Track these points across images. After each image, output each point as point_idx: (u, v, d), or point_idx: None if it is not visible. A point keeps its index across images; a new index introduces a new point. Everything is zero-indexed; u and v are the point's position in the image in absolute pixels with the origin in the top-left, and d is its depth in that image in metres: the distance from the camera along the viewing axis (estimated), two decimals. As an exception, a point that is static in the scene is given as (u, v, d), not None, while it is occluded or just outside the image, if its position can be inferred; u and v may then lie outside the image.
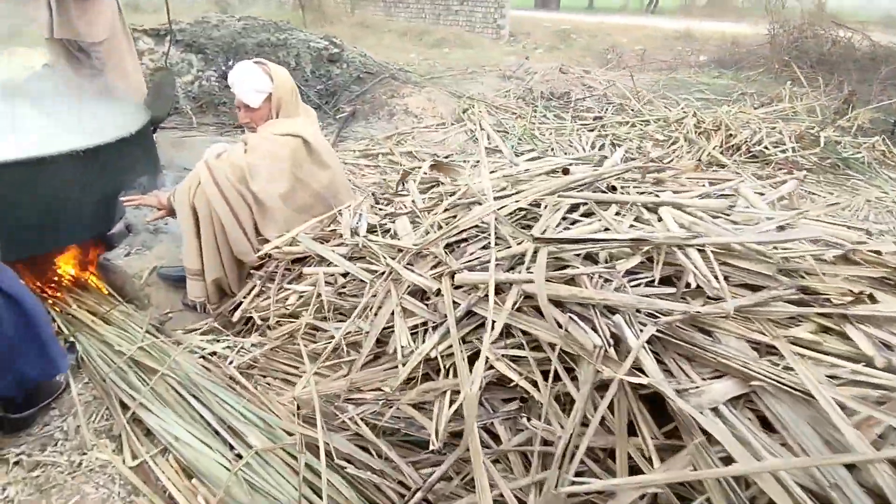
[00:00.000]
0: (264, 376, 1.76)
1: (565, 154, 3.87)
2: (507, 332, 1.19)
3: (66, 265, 2.45)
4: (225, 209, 1.86)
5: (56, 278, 2.43)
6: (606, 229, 1.19)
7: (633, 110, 5.33)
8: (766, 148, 3.78)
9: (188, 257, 1.93)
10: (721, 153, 3.80)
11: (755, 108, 5.42)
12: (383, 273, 1.39)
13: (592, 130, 4.59)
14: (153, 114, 2.72)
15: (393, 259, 1.41)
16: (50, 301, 2.23)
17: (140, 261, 2.31)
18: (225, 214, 1.86)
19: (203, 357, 1.95)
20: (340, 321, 1.50)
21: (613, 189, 1.41)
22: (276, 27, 4.70)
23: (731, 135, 3.95)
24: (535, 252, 1.15)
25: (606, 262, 1.11)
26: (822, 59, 7.03)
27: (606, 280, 1.08)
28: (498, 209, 1.28)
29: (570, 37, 13.11)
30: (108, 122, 2.70)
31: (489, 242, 1.27)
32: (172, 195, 1.97)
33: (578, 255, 1.12)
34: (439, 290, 1.19)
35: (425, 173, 1.81)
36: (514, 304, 1.12)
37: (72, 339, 1.98)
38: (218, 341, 2.02)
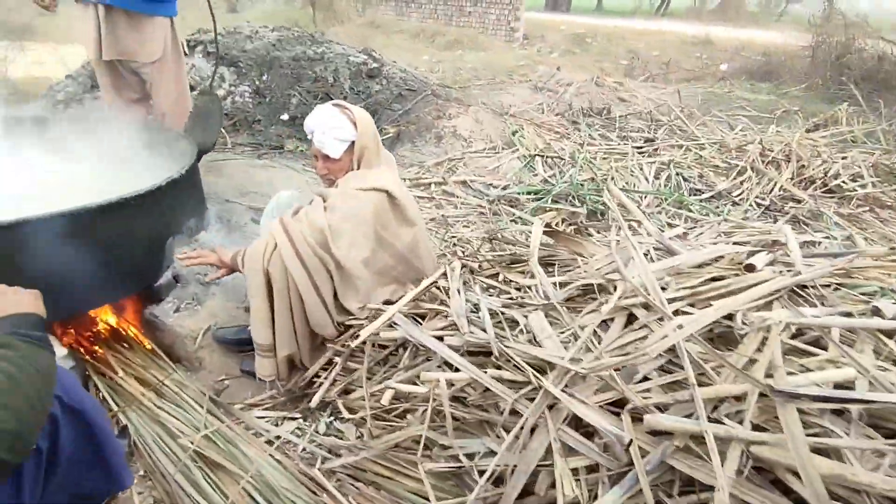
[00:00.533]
0: (352, 477, 1.52)
1: (626, 185, 3.62)
2: (701, 487, 0.94)
3: (107, 317, 2.21)
4: (304, 276, 1.61)
5: (96, 330, 2.19)
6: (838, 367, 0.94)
7: (680, 130, 5.07)
8: (843, 182, 3.52)
9: (258, 330, 1.68)
10: (794, 186, 3.55)
11: (808, 130, 5.15)
12: (527, 386, 1.14)
13: (644, 153, 4.33)
14: (199, 144, 2.47)
15: (532, 367, 1.16)
16: (90, 362, 1.99)
17: (191, 318, 2.07)
18: (303, 282, 1.61)
19: (269, 441, 1.71)
20: (462, 434, 1.25)
21: (803, 288, 1.16)
22: (312, 39, 4.44)
23: (802, 165, 3.69)
24: (760, 395, 0.90)
25: (861, 420, 0.86)
26: (867, 75, 6.75)
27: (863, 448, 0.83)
28: (681, 326, 1.03)
29: (585, 41, 12.84)
30: (153, 155, 2.46)
31: (671, 364, 1.02)
32: (240, 256, 1.72)
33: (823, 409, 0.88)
34: (631, 441, 0.94)
35: (545, 246, 1.55)
36: (740, 470, 0.87)
37: (123, 420, 1.74)
38: (291, 419, 1.77)
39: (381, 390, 1.45)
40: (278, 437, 1.73)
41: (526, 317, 1.29)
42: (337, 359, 1.69)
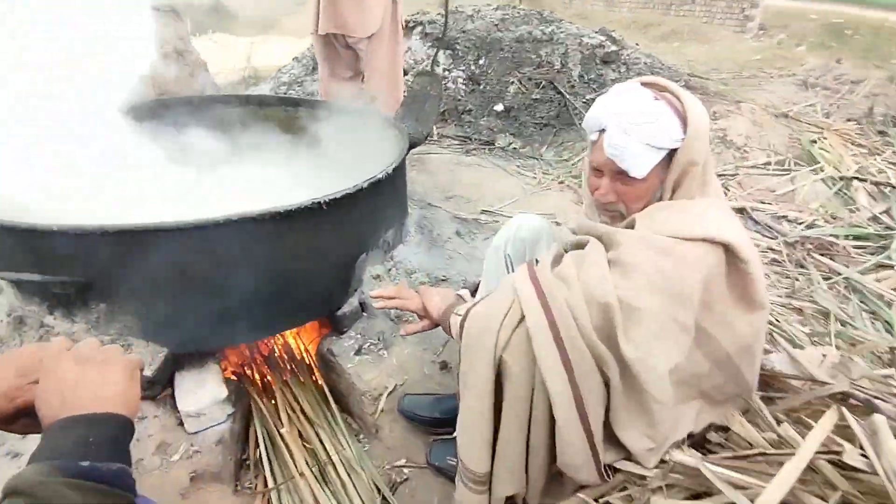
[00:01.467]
0: None
1: None
2: None
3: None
4: (562, 381, 0.91)
5: (271, 346, 1.83)
6: None
7: None
8: None
9: (468, 447, 1.03)
10: None
11: None
12: None
13: None
14: (412, 135, 1.96)
15: None
16: (255, 400, 1.59)
17: (375, 368, 1.54)
18: (560, 389, 0.91)
19: None
20: None
21: None
22: (541, 18, 3.78)
23: None
24: None
25: None
26: None
27: None
28: None
29: (844, 33, 10.13)
30: (357, 145, 2.02)
31: None
32: (455, 318, 1.09)
33: None
34: None
35: None
36: None
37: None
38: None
39: None
40: None
41: None
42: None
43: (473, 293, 1.38)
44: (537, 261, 1.05)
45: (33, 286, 1.36)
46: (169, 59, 2.96)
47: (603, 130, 0.99)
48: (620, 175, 0.99)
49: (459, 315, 1.08)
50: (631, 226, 0.99)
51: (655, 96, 0.97)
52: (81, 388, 0.62)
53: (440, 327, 1.22)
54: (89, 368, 0.64)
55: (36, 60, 1.15)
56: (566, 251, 1.08)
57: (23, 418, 0.67)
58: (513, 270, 1.27)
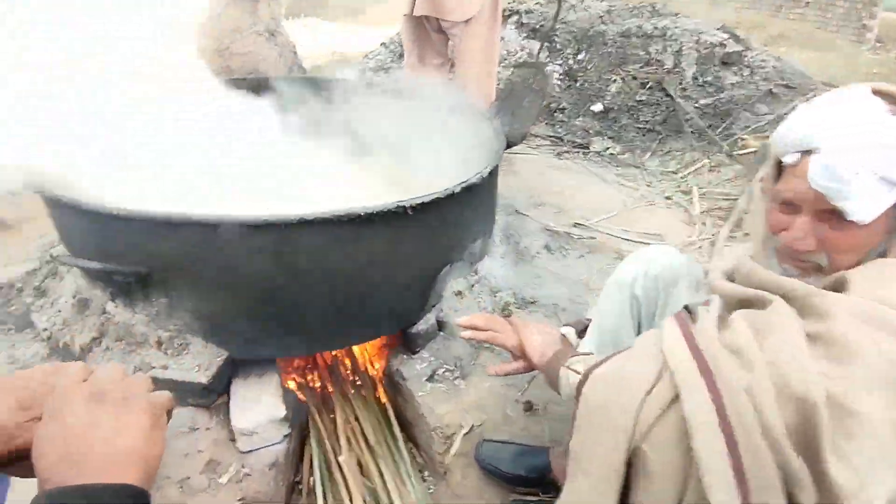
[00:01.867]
0: None
1: None
2: None
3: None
4: (730, 499, 0.66)
5: (334, 356, 1.68)
6: None
7: None
8: None
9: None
10: None
11: None
12: None
13: None
14: (508, 133, 1.73)
15: None
16: (314, 421, 1.43)
17: (449, 401, 1.34)
18: (723, 497, 0.67)
19: None
20: None
21: None
22: (653, 11, 3.42)
23: None
24: None
25: None
26: None
27: None
28: None
29: None
30: (445, 142, 1.82)
31: None
32: (568, 373, 0.86)
33: None
34: None
35: None
36: None
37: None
38: None
39: None
40: None
41: None
42: None
43: (580, 333, 1.14)
44: (691, 313, 0.80)
45: (96, 271, 1.26)
46: (261, 39, 2.90)
47: (809, 152, 0.72)
48: (830, 215, 0.71)
49: (576, 373, 0.84)
50: (839, 287, 0.71)
51: (892, 110, 0.69)
52: (88, 442, 0.47)
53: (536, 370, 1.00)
54: (103, 411, 0.49)
55: (36, 60, 1.06)
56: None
57: (24, 460, 0.52)
58: (641, 317, 1.02)
